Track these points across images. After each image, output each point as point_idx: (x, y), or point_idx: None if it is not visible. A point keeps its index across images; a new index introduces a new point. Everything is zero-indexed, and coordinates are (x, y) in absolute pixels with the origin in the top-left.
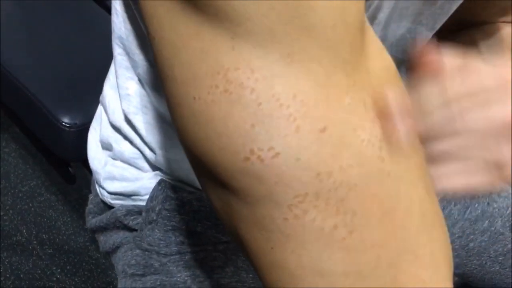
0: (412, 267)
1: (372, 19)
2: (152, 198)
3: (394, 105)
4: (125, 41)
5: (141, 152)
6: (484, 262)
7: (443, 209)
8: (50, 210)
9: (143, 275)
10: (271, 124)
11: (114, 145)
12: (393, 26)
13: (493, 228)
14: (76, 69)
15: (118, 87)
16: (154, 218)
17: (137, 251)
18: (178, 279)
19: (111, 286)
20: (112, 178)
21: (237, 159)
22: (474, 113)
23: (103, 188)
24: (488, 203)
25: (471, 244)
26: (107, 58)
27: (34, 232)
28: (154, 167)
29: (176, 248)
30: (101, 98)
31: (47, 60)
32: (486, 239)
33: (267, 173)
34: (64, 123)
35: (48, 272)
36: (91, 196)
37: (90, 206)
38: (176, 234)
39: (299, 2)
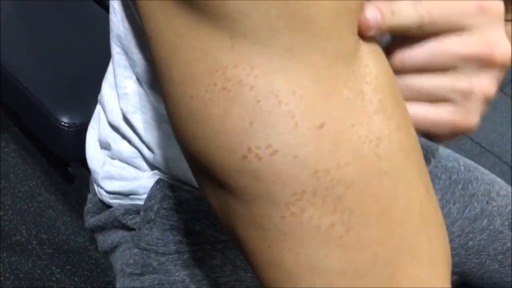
0: (410, 266)
1: None
2: (150, 197)
3: (369, 10)
4: (124, 40)
5: (139, 151)
6: (483, 260)
7: (442, 207)
8: (50, 210)
9: (141, 274)
10: (270, 121)
11: (113, 145)
12: None
13: (492, 227)
14: (76, 69)
15: (116, 86)
16: (152, 217)
17: (135, 250)
18: (177, 278)
19: (110, 286)
20: (111, 177)
21: (235, 158)
22: (450, 41)
23: (102, 188)
24: (487, 202)
25: (470, 243)
26: (107, 58)
27: (33, 232)
28: (152, 166)
29: (174, 247)
30: (99, 97)
31: (47, 60)
32: (485, 237)
33: (264, 172)
34: (63, 123)
35: (48, 272)
36: (89, 196)
37: (88, 205)
38: (174, 233)
39: None
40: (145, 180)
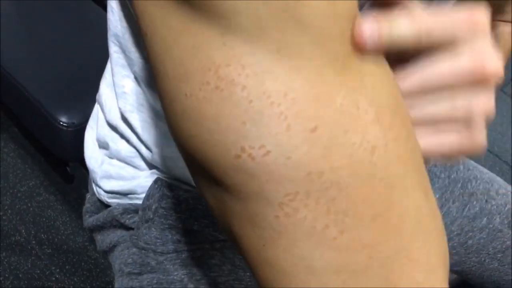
0: (405, 269)
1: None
2: (148, 196)
3: (365, 25)
4: (121, 39)
5: (138, 150)
6: (483, 259)
7: (441, 206)
8: (49, 210)
9: (139, 274)
10: (262, 122)
11: (111, 144)
12: None
13: (491, 226)
14: (75, 68)
15: (114, 85)
16: (151, 216)
17: (134, 249)
18: (175, 278)
19: (110, 286)
20: (109, 177)
21: (229, 156)
22: (442, 62)
23: (100, 187)
24: (486, 201)
25: (470, 242)
26: (106, 57)
27: (33, 232)
28: (150, 166)
29: (172, 247)
30: (97, 96)
31: (46, 59)
32: (484, 236)
33: (258, 171)
34: (62, 123)
35: (47, 272)
36: (88, 195)
37: (87, 205)
38: (172, 233)
39: None
40: (144, 179)
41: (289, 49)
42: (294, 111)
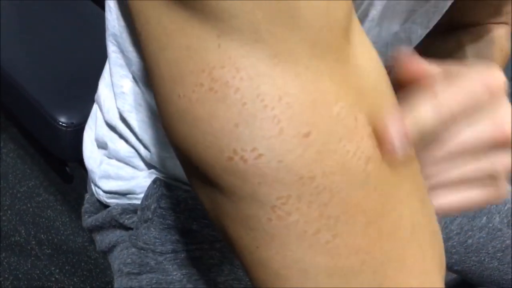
0: (399, 275)
1: (364, 16)
2: (147, 196)
3: (393, 131)
4: (119, 39)
5: (136, 150)
6: (482, 258)
7: None
8: (49, 210)
9: (139, 274)
10: (255, 124)
11: (109, 144)
12: (386, 23)
13: (491, 225)
14: (74, 68)
15: (112, 85)
16: (150, 216)
17: (133, 249)
18: (174, 278)
19: (110, 286)
20: (108, 177)
21: (221, 158)
22: (463, 130)
23: (99, 187)
24: None
25: (470, 241)
26: (105, 58)
27: (32, 232)
28: (149, 166)
29: (171, 247)
30: (96, 97)
31: (45, 59)
32: (484, 235)
33: (250, 173)
34: (61, 123)
35: (47, 272)
36: (87, 196)
37: (86, 205)
38: (171, 233)
39: (285, 1)
40: (142, 179)
41: (286, 55)
42: (288, 115)
